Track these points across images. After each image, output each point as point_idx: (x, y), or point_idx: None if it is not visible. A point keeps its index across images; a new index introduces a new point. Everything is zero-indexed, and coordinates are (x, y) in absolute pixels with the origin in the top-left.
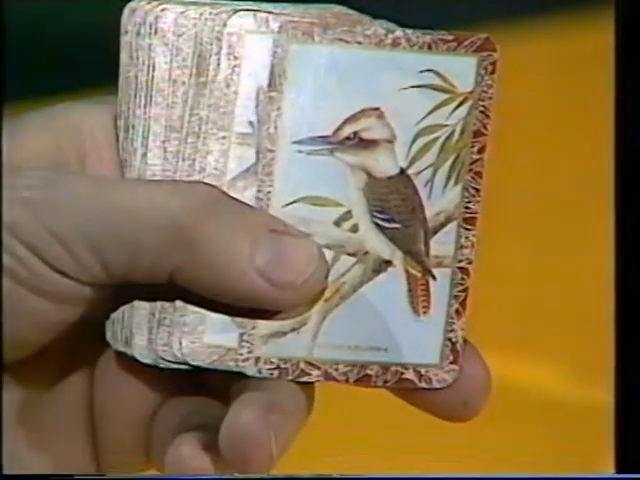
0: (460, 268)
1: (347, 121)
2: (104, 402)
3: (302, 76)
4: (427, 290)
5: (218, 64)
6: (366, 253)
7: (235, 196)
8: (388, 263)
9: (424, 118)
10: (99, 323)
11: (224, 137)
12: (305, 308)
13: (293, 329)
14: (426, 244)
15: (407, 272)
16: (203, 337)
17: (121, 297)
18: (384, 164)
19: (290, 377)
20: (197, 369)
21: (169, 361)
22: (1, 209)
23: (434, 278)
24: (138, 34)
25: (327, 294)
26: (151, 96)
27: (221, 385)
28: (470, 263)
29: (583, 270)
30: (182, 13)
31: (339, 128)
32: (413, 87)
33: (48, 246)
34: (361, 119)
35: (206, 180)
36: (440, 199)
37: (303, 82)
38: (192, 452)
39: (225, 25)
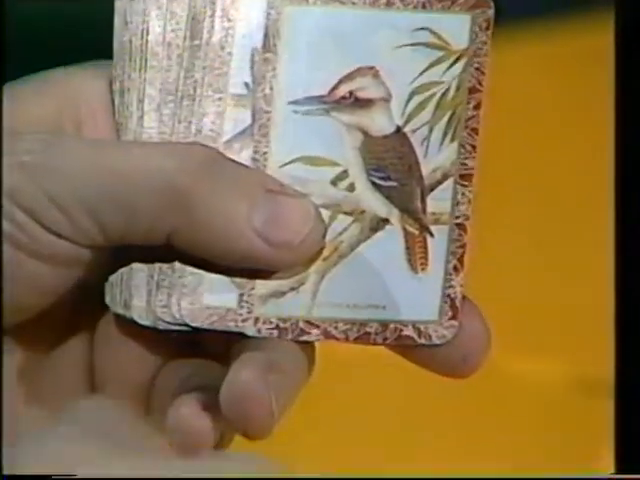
0: (457, 224)
1: (342, 80)
2: (104, 365)
3: (297, 37)
4: (425, 247)
5: (212, 26)
6: (363, 212)
7: (231, 157)
8: (385, 221)
9: (419, 76)
10: (98, 287)
11: (219, 99)
12: (303, 268)
13: (292, 289)
14: (423, 201)
15: (404, 230)
16: (202, 298)
17: (119, 260)
18: (380, 123)
19: (290, 336)
20: (196, 330)
21: (168, 322)
22: (1, 175)
23: (431, 235)
24: None
25: (325, 253)
26: (146, 60)
27: (221, 346)
28: (467, 219)
29: (583, 271)
30: None
31: (335, 87)
32: (408, 45)
33: (46, 210)
34: (356, 78)
35: (202, 142)
36: (436, 156)
37: (298, 43)
38: (192, 412)
39: None
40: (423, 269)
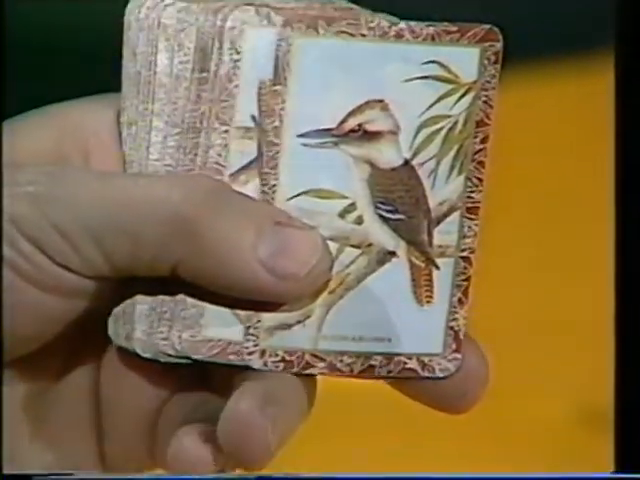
0: (463, 257)
1: (351, 113)
2: (110, 399)
3: (306, 69)
4: (430, 280)
5: (220, 59)
6: (370, 245)
7: (237, 190)
8: (392, 254)
9: (428, 109)
10: (104, 318)
11: (226, 131)
12: (309, 300)
13: (298, 321)
14: (429, 234)
15: (410, 262)
16: (203, 330)
17: (124, 292)
18: (388, 155)
19: (295, 370)
20: (198, 363)
21: (170, 355)
22: (1, 205)
23: (437, 268)
24: (141, 29)
25: (332, 286)
26: (154, 91)
27: (226, 379)
28: (473, 252)
29: (584, 272)
30: (184, 8)
31: (343, 120)
32: (417, 78)
33: (51, 240)
34: (365, 111)
35: (208, 174)
36: (443, 189)
37: (307, 75)
38: (193, 443)
39: (227, 19)
40: (428, 302)
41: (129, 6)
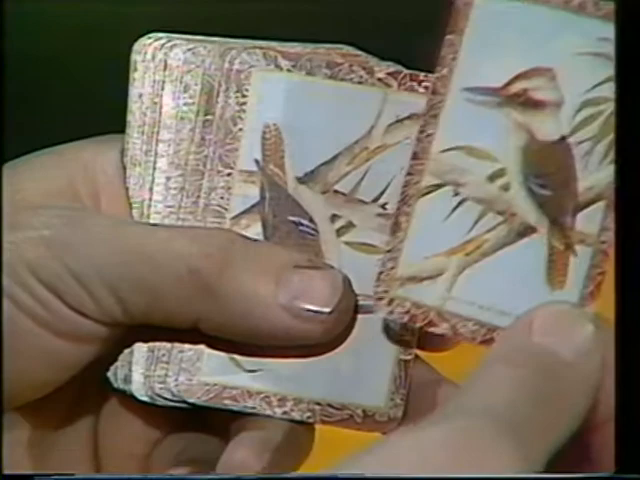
0: (602, 250)
1: (519, 77)
2: (106, 441)
3: (483, 24)
4: (566, 265)
5: (226, 101)
6: (513, 215)
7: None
8: (533, 230)
9: (594, 87)
10: (107, 363)
11: (229, 174)
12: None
13: (430, 277)
14: (573, 217)
15: (550, 242)
16: (200, 374)
17: (126, 337)
18: (547, 127)
19: (418, 324)
20: (193, 406)
21: (165, 398)
22: (1, 251)
23: (575, 254)
24: (147, 70)
25: (468, 248)
26: (158, 132)
27: (221, 421)
28: (611, 247)
29: None
30: (191, 50)
31: (510, 82)
32: (590, 54)
33: (68, 287)
34: (533, 77)
35: (209, 217)
36: (594, 174)
37: (484, 30)
38: None
39: (233, 62)
40: (560, 287)
41: (135, 46)
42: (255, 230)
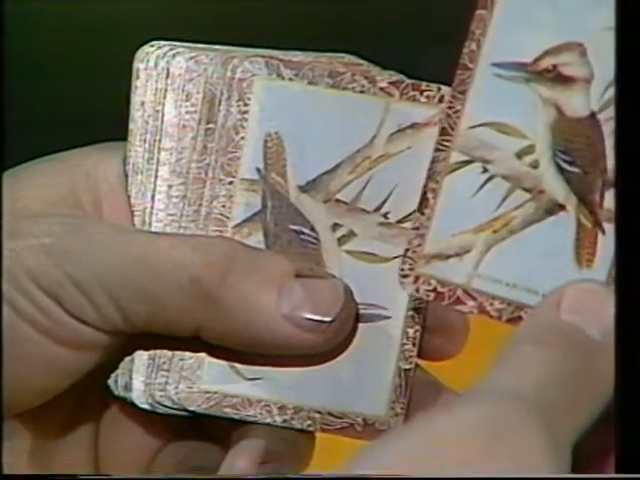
0: None
1: (549, 52)
2: (107, 449)
3: (513, 0)
4: (594, 243)
5: (228, 110)
6: (542, 192)
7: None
8: (561, 207)
9: None
10: (108, 371)
11: (230, 182)
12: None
13: (457, 254)
14: (602, 195)
15: (578, 220)
16: (200, 382)
17: (127, 344)
18: (577, 103)
19: (445, 302)
20: (194, 414)
21: (166, 406)
22: (1, 257)
23: (603, 232)
24: (149, 78)
25: (496, 225)
26: (160, 141)
27: (222, 430)
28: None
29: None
30: (193, 58)
31: (539, 58)
32: None
33: (69, 294)
34: (563, 52)
35: (211, 225)
36: None
37: (514, 4)
38: None
39: (236, 71)
40: (588, 265)
41: (138, 54)
42: (256, 238)
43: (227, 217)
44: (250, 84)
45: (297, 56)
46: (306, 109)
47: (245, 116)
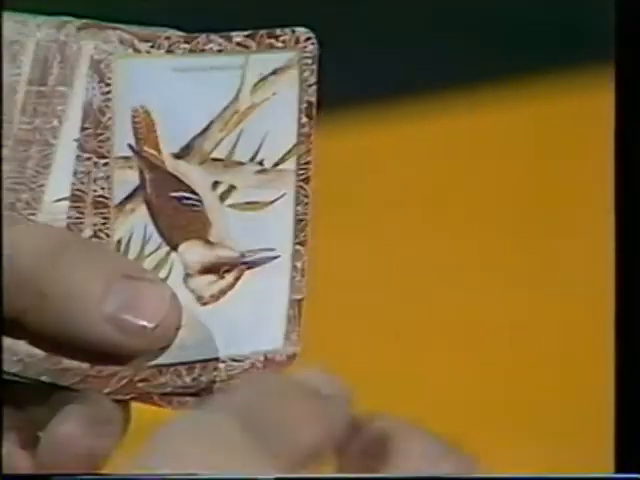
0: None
1: None
2: None
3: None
4: None
5: (89, 90)
6: None
7: (124, 220)
8: None
9: None
10: None
11: (105, 164)
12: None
13: None
14: None
15: None
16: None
17: None
18: None
19: None
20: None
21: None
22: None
23: None
24: None
25: None
26: None
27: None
28: None
29: (582, 262)
30: (20, 22)
31: None
32: None
33: None
34: None
35: (93, 207)
36: None
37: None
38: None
39: (69, 36)
40: None
41: None
42: (141, 213)
43: (108, 198)
44: (108, 64)
45: (141, 28)
46: (168, 78)
47: (108, 97)
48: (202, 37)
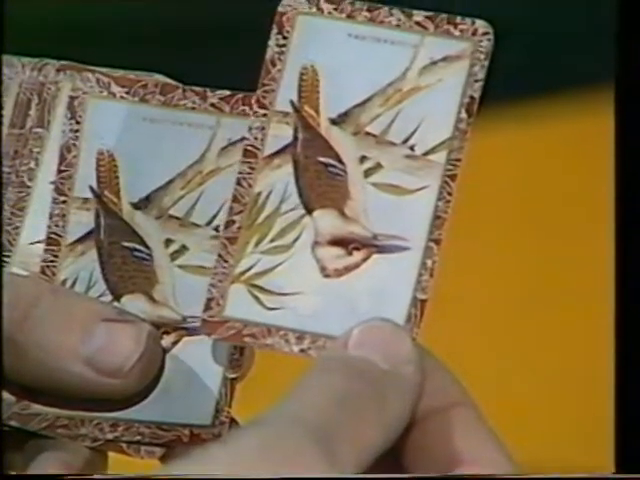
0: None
1: None
2: None
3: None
4: None
5: (63, 130)
6: None
7: (74, 260)
8: None
9: None
10: None
11: (64, 202)
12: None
13: None
14: None
15: None
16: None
17: None
18: None
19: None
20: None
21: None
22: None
23: None
24: None
25: None
26: None
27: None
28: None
29: (583, 262)
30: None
31: None
32: None
33: None
34: None
35: (45, 245)
36: None
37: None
38: None
39: (48, 76)
40: None
41: None
42: (91, 257)
43: (61, 236)
44: (82, 102)
45: (118, 72)
46: (138, 127)
47: (77, 135)
48: (178, 92)
